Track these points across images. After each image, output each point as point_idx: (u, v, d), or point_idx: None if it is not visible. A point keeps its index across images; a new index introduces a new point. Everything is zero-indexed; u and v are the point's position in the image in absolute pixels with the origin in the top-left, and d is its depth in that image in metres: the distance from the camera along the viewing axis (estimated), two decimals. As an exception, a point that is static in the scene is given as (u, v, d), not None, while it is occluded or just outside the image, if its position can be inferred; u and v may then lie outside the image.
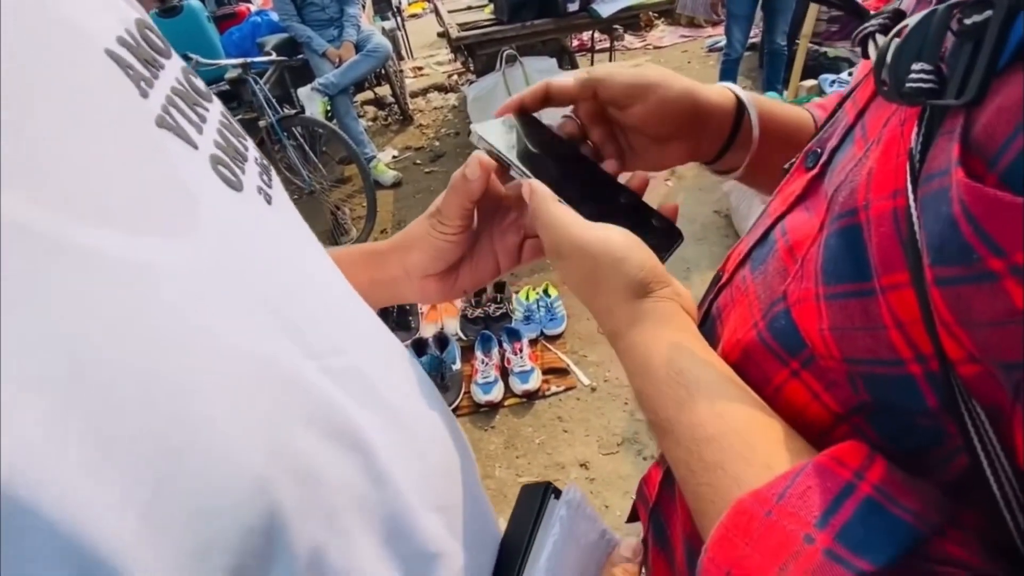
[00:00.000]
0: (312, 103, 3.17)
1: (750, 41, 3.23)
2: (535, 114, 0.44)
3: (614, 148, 0.44)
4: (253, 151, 0.28)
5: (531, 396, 1.85)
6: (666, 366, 0.29)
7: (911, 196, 0.19)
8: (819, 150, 0.32)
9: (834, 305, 0.24)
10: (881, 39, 0.27)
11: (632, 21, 2.76)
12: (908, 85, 0.20)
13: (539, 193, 0.35)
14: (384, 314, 2.22)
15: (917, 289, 0.19)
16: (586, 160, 0.42)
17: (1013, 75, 0.17)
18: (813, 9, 2.30)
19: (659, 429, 0.29)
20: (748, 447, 0.25)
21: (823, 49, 3.10)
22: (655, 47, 4.85)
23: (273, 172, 0.30)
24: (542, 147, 0.41)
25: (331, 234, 3.01)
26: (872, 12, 0.31)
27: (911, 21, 0.21)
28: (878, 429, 0.25)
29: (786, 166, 0.36)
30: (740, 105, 0.42)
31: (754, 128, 0.42)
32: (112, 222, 0.17)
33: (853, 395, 0.25)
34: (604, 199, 0.39)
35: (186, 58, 2.64)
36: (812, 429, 0.27)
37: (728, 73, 3.20)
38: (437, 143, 3.94)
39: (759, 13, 3.01)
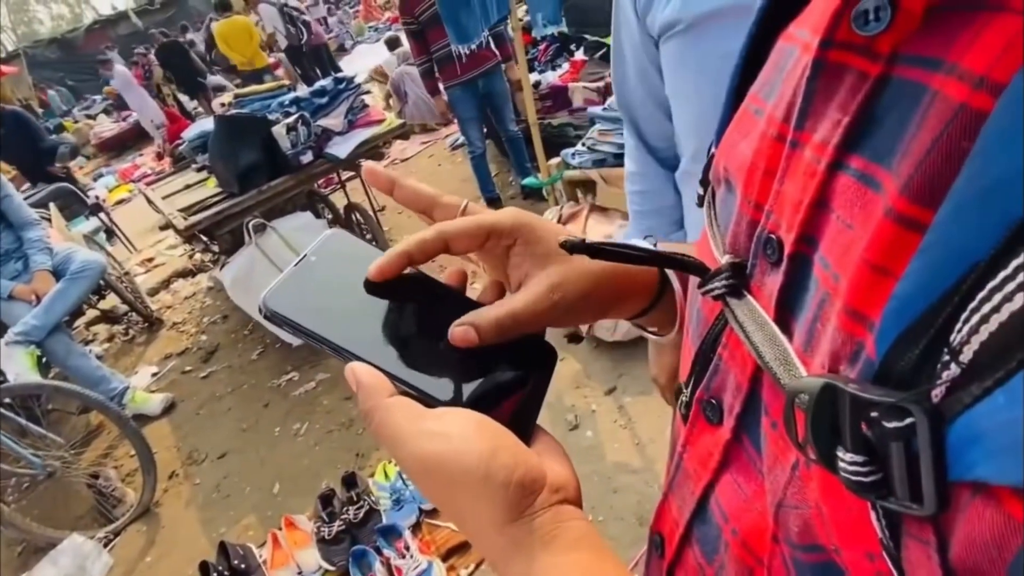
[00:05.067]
0: (13, 360, 2.58)
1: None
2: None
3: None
4: None
5: (442, 597, 1.64)
6: None
7: None
8: (714, 401, 0.31)
9: None
10: (734, 303, 0.28)
11: (373, 153, 2.88)
12: (844, 476, 0.18)
13: (366, 386, 0.30)
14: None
15: None
16: (435, 288, 0.36)
17: (966, 495, 0.16)
18: (528, 95, 2.69)
19: None
20: None
21: (547, 121, 3.65)
22: (401, 160, 5.18)
23: None
24: (365, 294, 0.34)
25: (98, 513, 2.40)
26: (694, 263, 0.33)
27: (802, 396, 0.20)
28: None
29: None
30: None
31: (677, 294, 0.41)
32: None
33: None
34: (460, 350, 0.33)
35: None
36: None
37: (480, 167, 3.57)
38: (204, 337, 3.53)
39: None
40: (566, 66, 4.02)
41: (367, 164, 0.38)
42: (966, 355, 0.16)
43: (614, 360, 2.29)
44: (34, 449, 2.27)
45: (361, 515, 1.88)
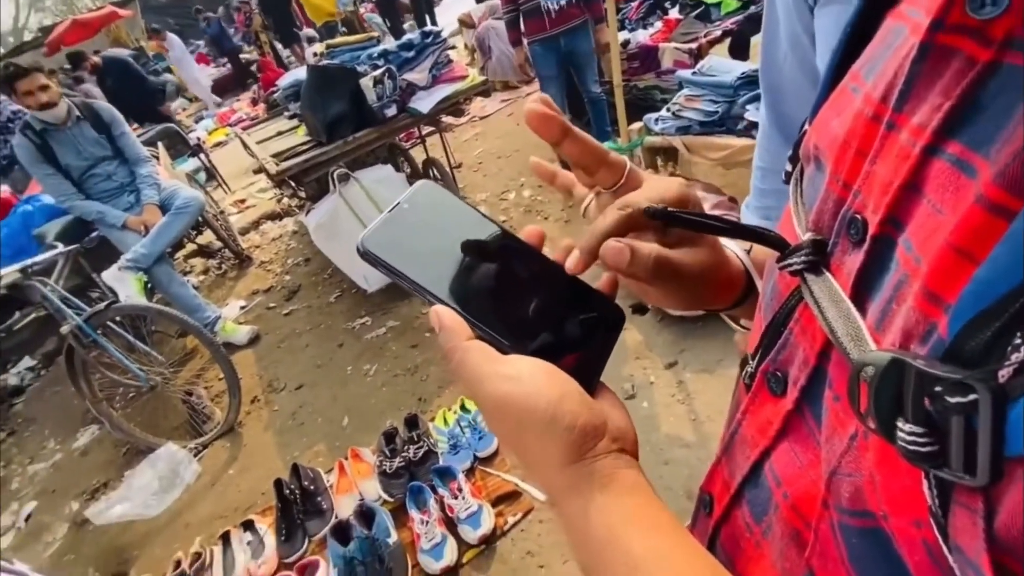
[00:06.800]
0: (124, 283, 2.89)
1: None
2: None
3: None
4: None
5: (490, 540, 1.74)
6: (610, 545, 0.28)
7: (947, 553, 0.19)
8: (780, 373, 0.32)
9: None
10: (812, 279, 0.28)
11: (454, 109, 2.93)
12: (901, 445, 0.19)
13: (448, 329, 0.33)
14: (286, 506, 1.99)
15: None
16: (515, 244, 0.39)
17: (1020, 470, 0.17)
18: (615, 55, 2.62)
19: None
20: None
21: (632, 83, 3.53)
22: (480, 118, 5.20)
23: None
24: (452, 242, 0.37)
25: (190, 426, 2.69)
26: (772, 235, 0.33)
27: (868, 368, 0.21)
28: None
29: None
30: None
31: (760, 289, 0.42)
32: None
33: None
34: (535, 303, 0.36)
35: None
36: None
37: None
38: (288, 277, 3.78)
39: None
40: (658, 24, 3.84)
41: (534, 107, 0.36)
42: None
43: (677, 334, 2.27)
44: (140, 364, 2.56)
45: (420, 454, 2.00)
